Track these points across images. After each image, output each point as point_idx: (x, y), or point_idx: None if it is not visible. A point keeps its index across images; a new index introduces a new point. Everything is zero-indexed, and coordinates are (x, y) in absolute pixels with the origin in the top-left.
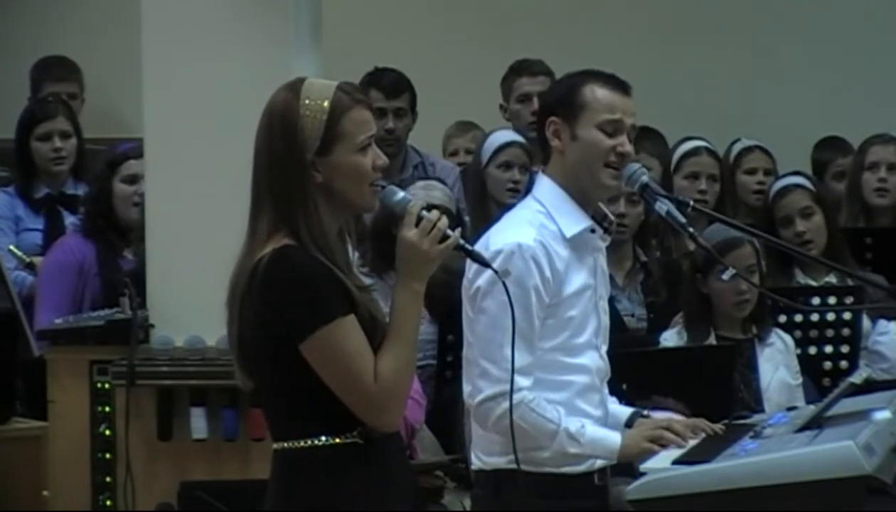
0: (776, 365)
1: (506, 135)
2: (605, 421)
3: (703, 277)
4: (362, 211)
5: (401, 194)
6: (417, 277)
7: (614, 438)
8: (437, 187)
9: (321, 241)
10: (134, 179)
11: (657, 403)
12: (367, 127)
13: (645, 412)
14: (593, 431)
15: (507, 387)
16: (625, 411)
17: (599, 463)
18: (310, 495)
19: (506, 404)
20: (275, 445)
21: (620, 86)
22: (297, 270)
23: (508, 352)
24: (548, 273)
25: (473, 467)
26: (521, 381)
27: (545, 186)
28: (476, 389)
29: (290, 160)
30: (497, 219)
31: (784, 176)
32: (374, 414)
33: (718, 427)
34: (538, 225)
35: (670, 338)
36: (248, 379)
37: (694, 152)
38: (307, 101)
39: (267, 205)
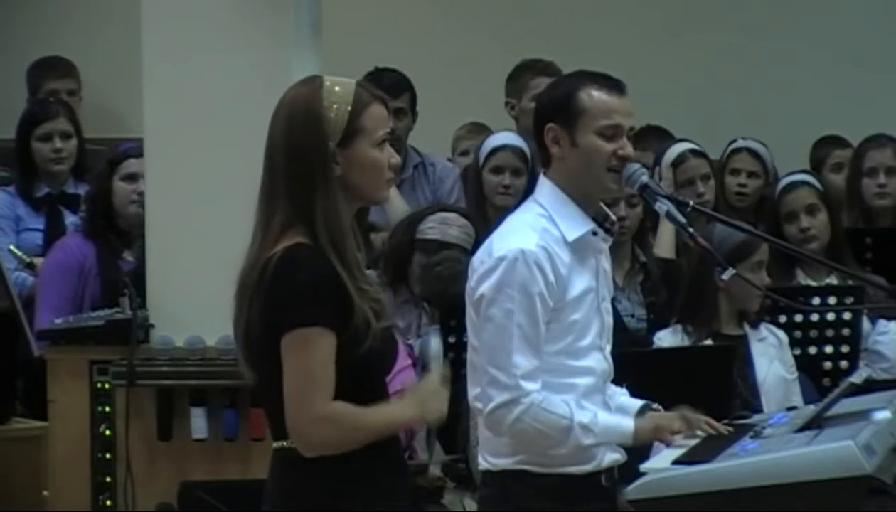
0: (771, 359)
1: (499, 138)
2: None
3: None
4: (375, 204)
5: (436, 348)
6: (420, 413)
7: (627, 422)
8: (454, 224)
9: (337, 232)
10: (133, 178)
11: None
12: (385, 123)
13: (654, 406)
14: (605, 419)
15: (517, 393)
16: (634, 405)
17: (606, 463)
18: (308, 494)
19: (517, 410)
20: (274, 444)
21: (616, 87)
22: (301, 270)
23: (516, 358)
24: (551, 278)
25: (480, 468)
26: (529, 385)
27: (546, 189)
28: (486, 397)
29: (312, 150)
30: (497, 223)
31: (791, 174)
32: (297, 435)
33: (723, 428)
34: (541, 229)
35: (665, 337)
36: (251, 373)
37: (681, 159)
38: (332, 92)
39: (282, 198)
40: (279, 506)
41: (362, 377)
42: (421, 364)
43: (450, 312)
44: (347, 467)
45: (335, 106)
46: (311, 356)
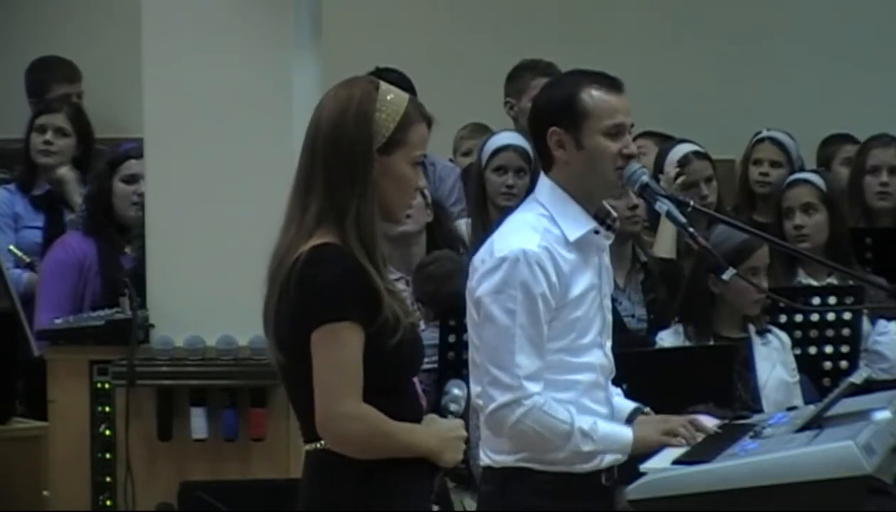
0: (773, 363)
1: (502, 138)
2: (612, 418)
3: (716, 276)
4: (391, 221)
5: (461, 399)
6: (440, 449)
7: (626, 432)
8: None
9: (367, 232)
10: (133, 179)
11: (724, 415)
12: (424, 145)
13: (646, 410)
14: (605, 427)
15: (519, 394)
16: (626, 407)
17: (606, 462)
18: (342, 496)
19: (519, 411)
20: (306, 447)
21: (614, 85)
22: (329, 267)
23: (519, 359)
24: (554, 278)
25: (481, 464)
26: (532, 387)
27: (546, 189)
28: (488, 397)
29: (358, 146)
30: (498, 222)
31: (798, 172)
32: (324, 427)
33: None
34: (542, 230)
35: (667, 337)
36: (281, 355)
37: (684, 161)
38: (386, 98)
39: (319, 190)
40: (313, 507)
41: (392, 370)
42: (443, 410)
43: (448, 312)
44: (381, 469)
45: (386, 111)
46: (341, 351)
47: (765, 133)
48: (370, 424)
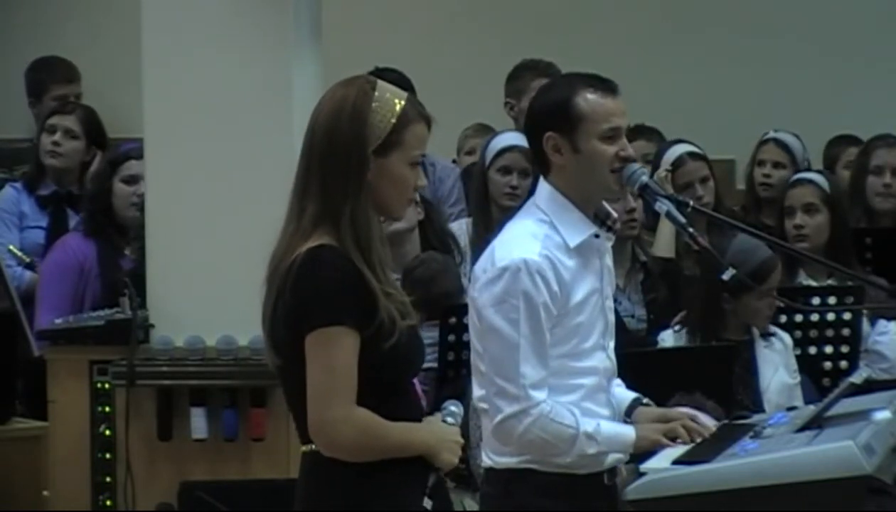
0: (776, 366)
1: (506, 139)
2: (614, 418)
3: (731, 296)
4: (391, 218)
5: (457, 415)
6: (437, 448)
7: (629, 432)
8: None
9: (363, 234)
10: (133, 180)
11: (693, 401)
12: (422, 145)
13: (645, 400)
14: (608, 427)
15: (526, 404)
16: (626, 398)
17: (609, 462)
18: (337, 497)
19: (527, 421)
20: (303, 448)
21: (609, 88)
22: (324, 270)
23: (523, 369)
24: (555, 287)
25: (484, 465)
26: (538, 395)
27: (546, 194)
28: (495, 407)
29: (352, 149)
30: (500, 224)
31: (803, 171)
32: (317, 433)
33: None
34: (543, 237)
35: (668, 338)
36: (276, 357)
37: (679, 162)
38: (381, 98)
39: (315, 193)
40: (310, 507)
41: (389, 372)
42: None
43: (442, 312)
44: (376, 469)
45: (381, 112)
46: (334, 355)
47: (771, 134)
48: (362, 427)
